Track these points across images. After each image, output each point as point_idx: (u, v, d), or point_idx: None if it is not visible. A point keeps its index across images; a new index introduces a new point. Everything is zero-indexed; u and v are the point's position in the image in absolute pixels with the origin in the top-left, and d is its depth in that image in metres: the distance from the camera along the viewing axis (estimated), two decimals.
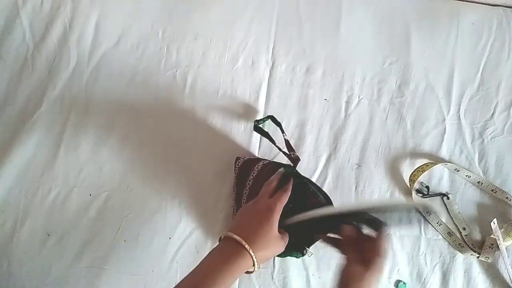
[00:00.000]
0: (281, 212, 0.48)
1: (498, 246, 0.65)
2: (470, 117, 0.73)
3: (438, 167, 0.70)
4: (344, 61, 0.74)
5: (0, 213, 0.66)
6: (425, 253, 0.68)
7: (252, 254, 0.44)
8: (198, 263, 0.45)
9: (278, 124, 0.65)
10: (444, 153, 0.72)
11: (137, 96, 0.71)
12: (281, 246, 0.48)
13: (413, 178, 0.68)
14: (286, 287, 0.65)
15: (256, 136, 0.70)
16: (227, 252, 0.45)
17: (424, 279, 0.67)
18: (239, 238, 0.44)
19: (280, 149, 0.61)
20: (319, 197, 0.55)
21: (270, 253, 0.47)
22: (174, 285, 0.43)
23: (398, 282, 0.67)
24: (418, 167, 0.69)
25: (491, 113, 0.74)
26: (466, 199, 0.70)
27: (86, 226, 0.66)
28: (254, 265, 0.44)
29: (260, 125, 0.65)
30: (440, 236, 0.69)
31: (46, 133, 0.69)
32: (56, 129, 0.69)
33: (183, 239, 0.67)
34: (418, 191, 0.70)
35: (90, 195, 0.67)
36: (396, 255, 0.68)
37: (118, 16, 0.74)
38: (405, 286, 0.67)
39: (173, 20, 0.74)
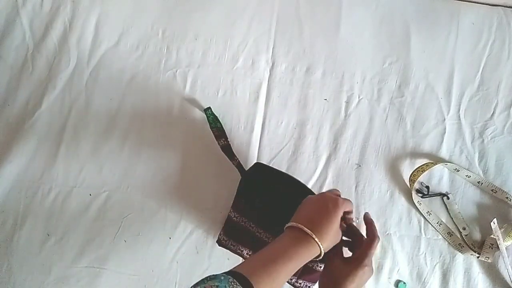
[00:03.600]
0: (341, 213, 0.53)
1: (498, 246, 0.65)
2: (470, 117, 0.73)
3: (438, 167, 0.70)
4: (344, 61, 0.74)
5: (0, 213, 0.66)
6: (425, 253, 0.68)
7: (319, 242, 0.48)
8: (264, 247, 0.49)
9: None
10: (444, 153, 0.72)
11: (137, 96, 0.71)
12: (339, 236, 0.53)
13: (413, 178, 0.68)
14: None
15: (256, 135, 0.70)
16: (295, 240, 0.49)
17: (424, 279, 0.67)
18: (308, 230, 0.49)
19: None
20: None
21: (332, 242, 0.51)
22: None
23: (398, 282, 0.67)
24: (418, 167, 0.69)
25: (491, 113, 0.74)
26: (466, 199, 0.70)
27: (86, 226, 0.66)
28: (320, 252, 0.49)
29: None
30: (440, 236, 0.69)
31: (46, 133, 0.69)
32: (56, 129, 0.69)
33: (183, 239, 0.67)
34: (418, 191, 0.70)
35: (90, 195, 0.67)
36: (396, 255, 0.68)
37: (118, 16, 0.73)
38: (405, 286, 0.67)
39: (173, 20, 0.74)
